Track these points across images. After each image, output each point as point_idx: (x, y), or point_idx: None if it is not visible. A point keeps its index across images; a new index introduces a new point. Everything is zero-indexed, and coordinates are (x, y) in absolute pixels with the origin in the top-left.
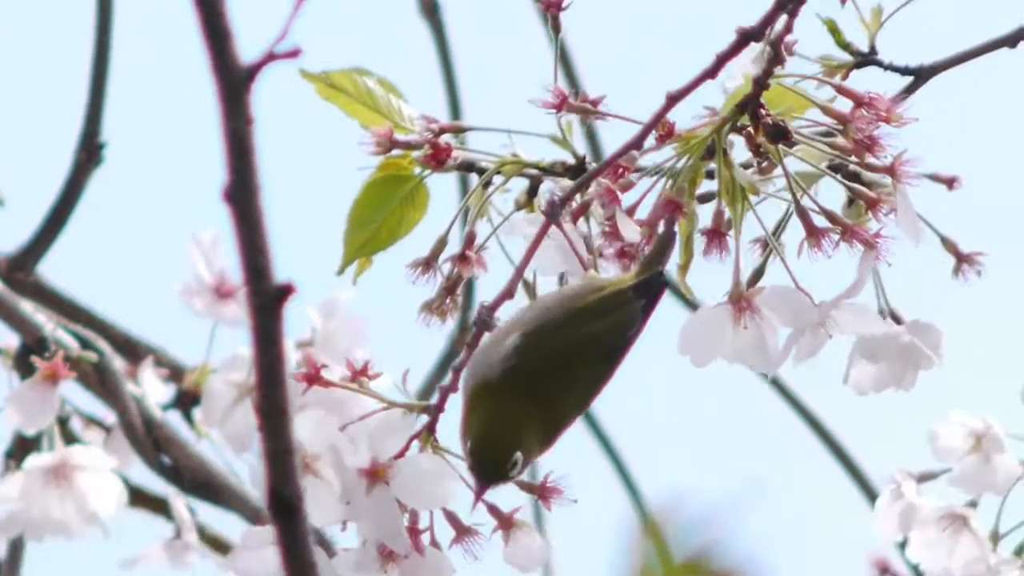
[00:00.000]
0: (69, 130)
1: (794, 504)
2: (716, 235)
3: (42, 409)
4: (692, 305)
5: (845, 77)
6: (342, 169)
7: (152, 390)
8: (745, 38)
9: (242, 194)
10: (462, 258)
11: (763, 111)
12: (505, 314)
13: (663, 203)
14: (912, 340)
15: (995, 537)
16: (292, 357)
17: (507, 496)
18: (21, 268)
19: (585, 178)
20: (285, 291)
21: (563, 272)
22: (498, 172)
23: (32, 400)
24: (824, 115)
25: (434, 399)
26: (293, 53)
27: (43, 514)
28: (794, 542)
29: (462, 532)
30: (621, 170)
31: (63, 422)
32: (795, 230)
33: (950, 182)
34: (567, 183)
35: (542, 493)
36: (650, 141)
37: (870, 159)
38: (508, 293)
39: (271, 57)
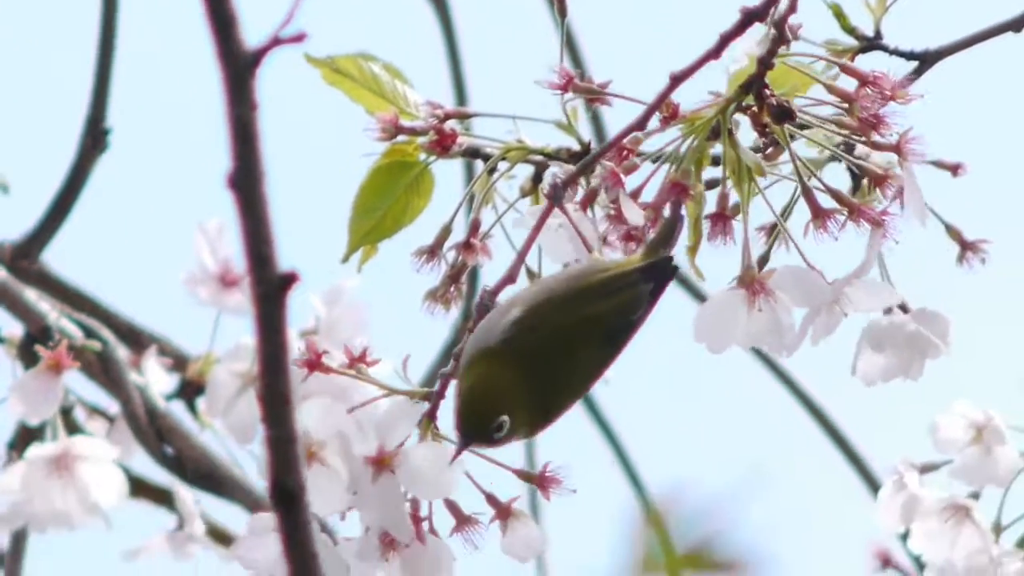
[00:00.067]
0: (74, 116)
1: (796, 494)
2: (721, 219)
3: (45, 399)
4: (695, 292)
5: (850, 61)
6: (347, 155)
7: (156, 380)
8: (749, 18)
9: (246, 180)
10: (467, 246)
11: (768, 91)
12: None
13: (669, 186)
14: (919, 328)
15: (997, 529)
16: (296, 346)
17: (506, 486)
18: (25, 256)
19: (588, 160)
20: (289, 280)
21: (567, 261)
22: (503, 158)
23: (35, 390)
24: (829, 93)
25: (435, 386)
26: (298, 38)
27: (45, 505)
28: (796, 533)
29: (462, 521)
30: (625, 152)
31: (66, 412)
32: (801, 215)
33: (955, 169)
34: (572, 168)
35: (541, 483)
36: (654, 123)
37: (876, 137)
38: (510, 278)
39: (276, 42)
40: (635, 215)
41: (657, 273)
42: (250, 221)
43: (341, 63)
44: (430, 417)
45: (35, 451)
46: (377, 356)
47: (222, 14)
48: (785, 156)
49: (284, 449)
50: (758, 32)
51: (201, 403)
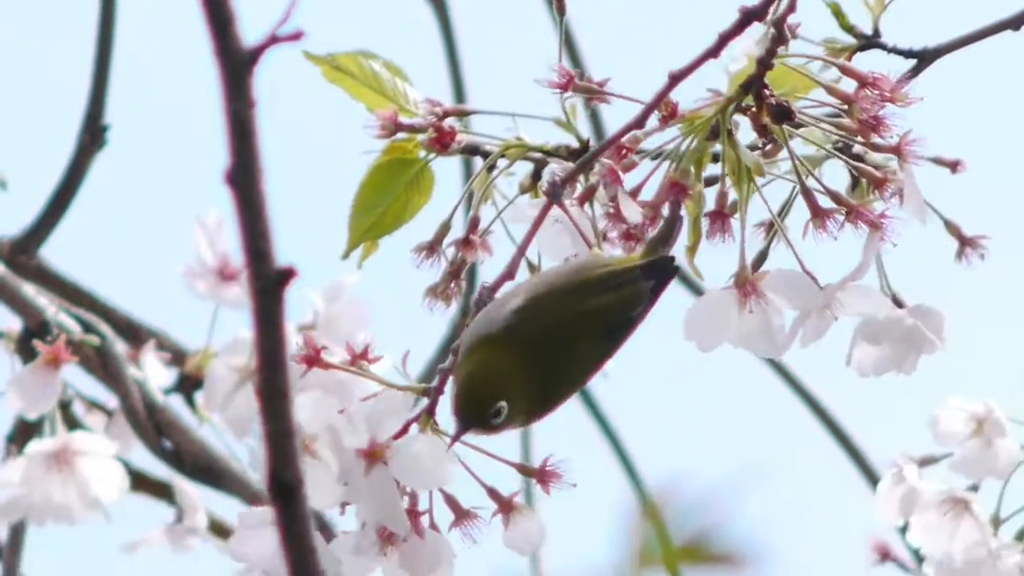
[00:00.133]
0: (72, 113)
1: (795, 488)
2: (720, 217)
3: (44, 393)
4: (694, 288)
5: (849, 60)
6: (347, 153)
7: (154, 374)
8: (748, 17)
9: (244, 177)
10: (466, 242)
11: (767, 91)
12: None
13: (668, 185)
14: (915, 324)
15: (996, 521)
16: (294, 340)
17: (506, 481)
18: (24, 251)
19: (587, 158)
20: (286, 274)
21: (567, 256)
22: (502, 156)
23: (34, 384)
24: (828, 95)
25: (434, 382)
26: (295, 36)
27: (45, 499)
28: (794, 526)
29: (461, 515)
30: (624, 151)
31: (65, 406)
32: (800, 213)
33: (953, 165)
34: (570, 166)
35: (541, 477)
36: (653, 122)
37: (875, 139)
38: (509, 274)
39: (274, 40)
40: (634, 213)
41: (658, 271)
42: (248, 217)
43: (341, 61)
44: (429, 412)
45: (35, 447)
46: (378, 352)
47: (220, 12)
48: (784, 154)
49: (282, 443)
50: (757, 32)
51: (199, 397)
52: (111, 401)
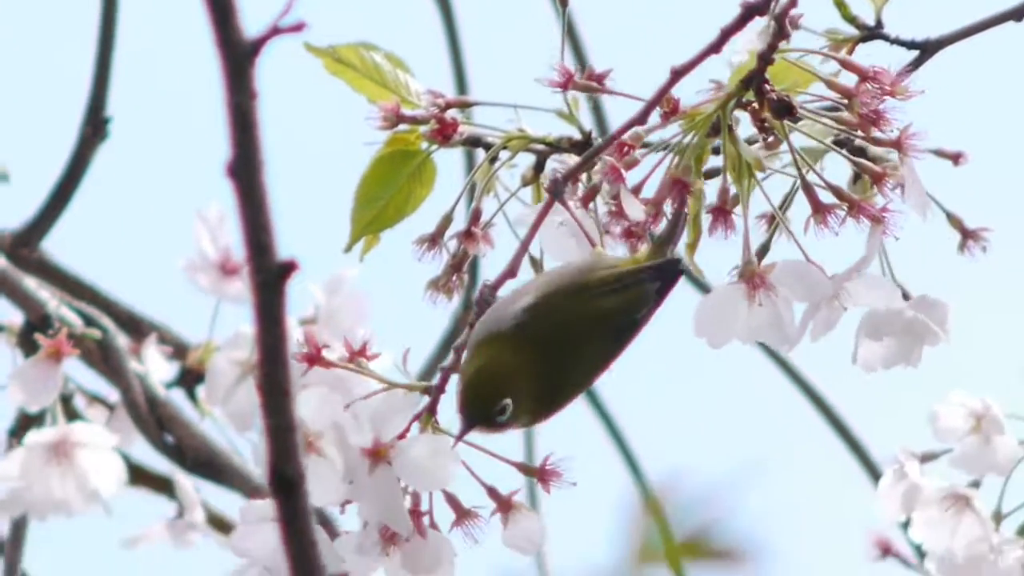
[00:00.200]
0: (74, 105)
1: (796, 483)
2: (722, 213)
3: (45, 387)
4: (696, 284)
5: (851, 51)
6: (349, 144)
7: (155, 368)
8: (750, 12)
9: (245, 169)
10: (468, 235)
11: (768, 86)
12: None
13: (669, 182)
14: (917, 315)
15: (998, 517)
16: (295, 334)
17: (506, 479)
18: (26, 244)
19: (589, 155)
20: (288, 268)
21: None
22: (504, 147)
23: (35, 377)
24: (829, 89)
25: (435, 380)
26: (297, 27)
27: (44, 492)
28: (796, 521)
29: (462, 515)
30: (626, 148)
31: (66, 400)
32: (801, 205)
33: (956, 157)
34: (574, 160)
35: (541, 476)
36: (655, 118)
37: (876, 133)
38: (511, 272)
39: (275, 31)
40: (636, 210)
41: (665, 273)
42: (249, 209)
43: (343, 53)
44: (431, 411)
45: (33, 437)
46: (377, 349)
47: (221, 3)
48: (784, 146)
49: (283, 437)
50: (759, 25)
51: (201, 391)
52: (112, 395)
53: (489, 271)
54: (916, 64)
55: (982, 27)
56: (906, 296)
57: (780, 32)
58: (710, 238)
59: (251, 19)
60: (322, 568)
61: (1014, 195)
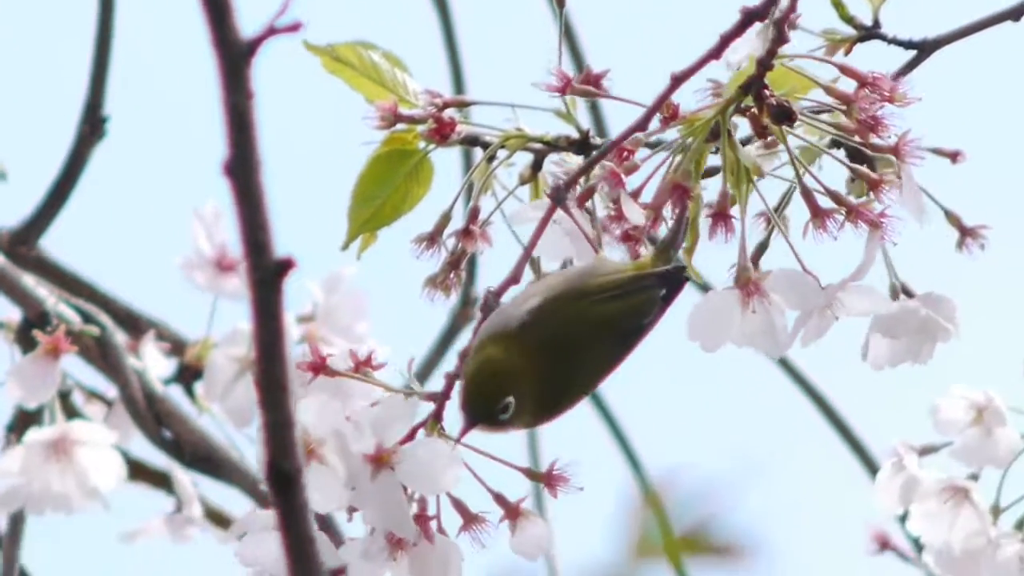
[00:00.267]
0: (72, 104)
1: (795, 477)
2: (721, 217)
3: (43, 383)
4: (695, 286)
5: (849, 51)
6: (346, 144)
7: (154, 364)
8: (749, 18)
9: (242, 168)
10: (466, 233)
11: (767, 92)
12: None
13: (669, 187)
14: (928, 313)
15: (996, 510)
16: (293, 332)
17: (511, 481)
18: (24, 242)
19: (590, 161)
20: (285, 266)
21: (567, 258)
22: (502, 146)
23: (33, 374)
24: (828, 95)
25: (440, 387)
26: (294, 27)
27: (44, 488)
28: (794, 515)
29: (469, 520)
30: (626, 153)
31: (64, 396)
32: (798, 205)
33: (954, 156)
34: (571, 159)
35: (548, 481)
36: (655, 123)
37: (874, 139)
38: (514, 278)
39: (271, 31)
40: (636, 214)
41: (670, 280)
42: (246, 208)
43: (341, 51)
44: (436, 417)
45: (33, 435)
46: (379, 349)
47: (218, 3)
48: (781, 146)
49: (280, 433)
50: (759, 28)
51: (199, 387)
52: (111, 391)
53: (487, 269)
54: (913, 64)
55: (980, 27)
56: (909, 294)
57: (780, 38)
58: (709, 241)
59: (248, 19)
60: (319, 563)
61: (1012, 193)
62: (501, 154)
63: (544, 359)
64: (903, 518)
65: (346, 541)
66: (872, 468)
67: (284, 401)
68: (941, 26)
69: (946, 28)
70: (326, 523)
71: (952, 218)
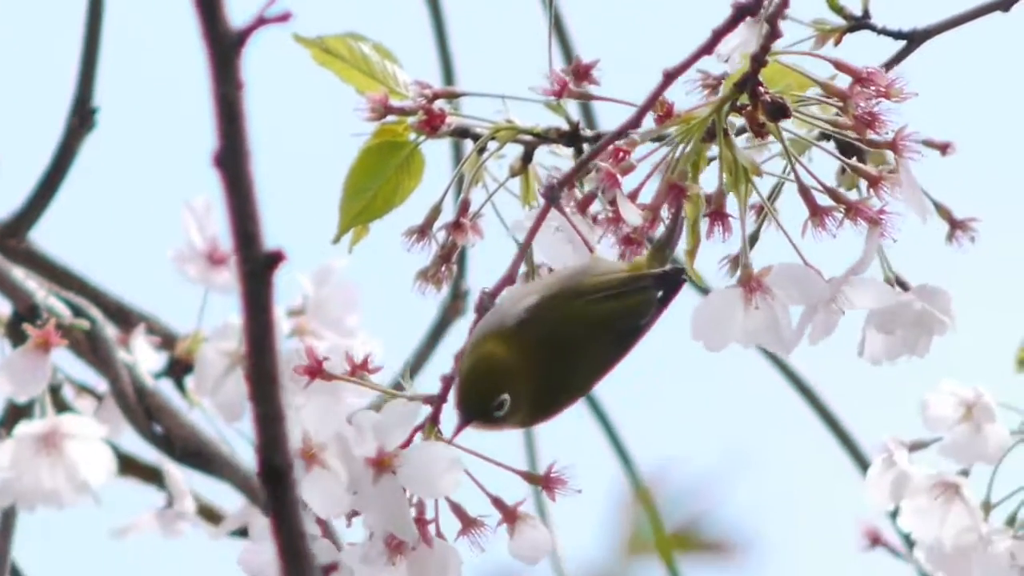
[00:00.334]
0: (61, 95)
1: (785, 473)
2: (718, 216)
3: (34, 377)
4: (694, 285)
5: (838, 41)
6: (335, 135)
7: (144, 358)
8: (741, 12)
9: (232, 160)
10: (457, 226)
11: (762, 89)
12: None
13: (666, 188)
14: (924, 306)
15: (987, 506)
16: (283, 324)
17: (512, 490)
18: (13, 235)
19: (584, 160)
20: (275, 258)
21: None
22: (492, 138)
23: (24, 368)
24: (824, 91)
25: (433, 386)
26: (283, 18)
27: (34, 483)
28: (785, 511)
29: (468, 524)
30: (621, 154)
31: (55, 390)
32: (790, 195)
33: (943, 148)
34: (562, 151)
35: (546, 484)
36: (649, 122)
37: (871, 135)
38: (509, 278)
39: (261, 22)
40: (633, 216)
41: (668, 282)
42: (236, 199)
43: (331, 43)
44: (433, 421)
45: (23, 428)
46: (370, 343)
47: None
48: (771, 137)
49: (271, 427)
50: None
51: (189, 381)
52: (101, 385)
53: (477, 261)
54: (903, 54)
55: (969, 17)
56: (904, 287)
57: (772, 34)
58: (707, 240)
59: (237, 10)
60: (312, 558)
61: (1002, 185)
62: (491, 146)
63: (541, 358)
64: (894, 514)
65: (344, 546)
66: (863, 464)
67: (274, 394)
68: (930, 16)
69: (935, 18)
70: (324, 527)
71: (942, 211)
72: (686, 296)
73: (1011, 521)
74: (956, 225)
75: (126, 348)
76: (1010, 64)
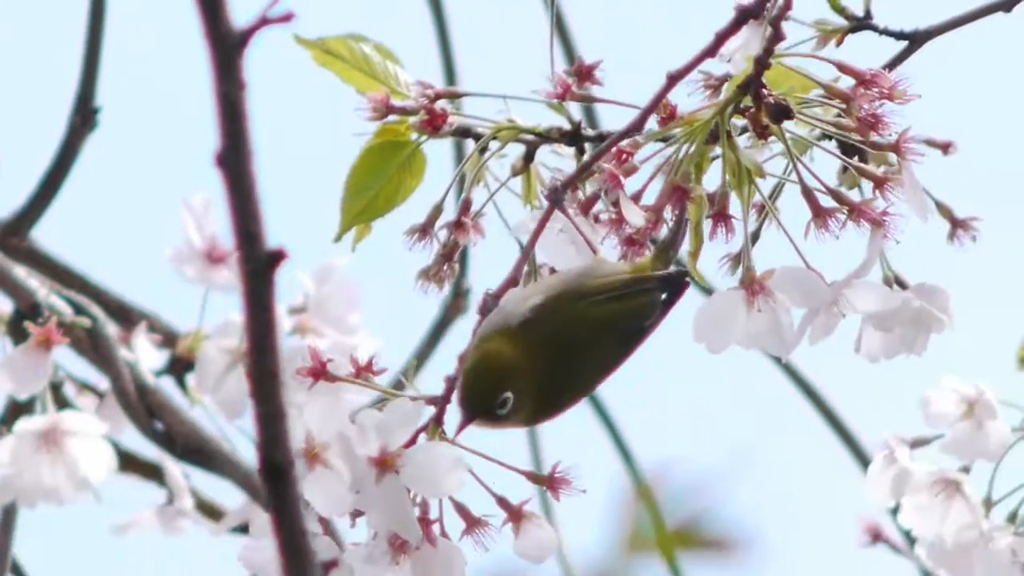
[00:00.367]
0: (63, 95)
1: (787, 470)
2: (721, 218)
3: (35, 375)
4: (697, 286)
5: (840, 42)
6: (337, 135)
7: (145, 356)
8: (744, 15)
9: (234, 159)
10: (458, 225)
11: (765, 91)
12: None
13: (670, 189)
14: (922, 304)
15: (988, 503)
16: (285, 323)
17: (515, 490)
18: (15, 233)
19: (587, 162)
20: (277, 257)
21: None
22: (494, 138)
23: (25, 366)
24: (827, 94)
25: (436, 386)
26: (286, 18)
27: (34, 480)
28: (786, 508)
29: (472, 523)
30: (624, 155)
31: (56, 388)
32: (791, 194)
33: (945, 147)
34: (563, 150)
35: (551, 484)
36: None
37: (874, 137)
38: (513, 280)
39: (264, 22)
40: (636, 217)
41: (672, 284)
42: (238, 199)
43: (332, 44)
44: (437, 421)
45: (23, 425)
46: (371, 341)
47: None
48: (773, 137)
49: (273, 425)
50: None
51: (191, 379)
52: (102, 383)
53: (479, 260)
54: (905, 55)
55: (971, 18)
56: (902, 285)
57: (776, 36)
58: (709, 241)
59: (240, 10)
60: (312, 555)
61: (1003, 184)
62: (493, 145)
63: (544, 357)
64: (895, 511)
65: (348, 546)
66: (864, 461)
67: (276, 392)
68: (932, 17)
69: (937, 19)
70: (327, 527)
71: (943, 210)
72: (689, 297)
73: (1012, 518)
74: (957, 224)
75: (127, 346)
76: (1012, 65)
